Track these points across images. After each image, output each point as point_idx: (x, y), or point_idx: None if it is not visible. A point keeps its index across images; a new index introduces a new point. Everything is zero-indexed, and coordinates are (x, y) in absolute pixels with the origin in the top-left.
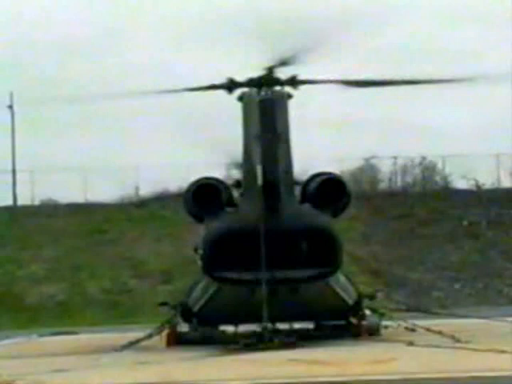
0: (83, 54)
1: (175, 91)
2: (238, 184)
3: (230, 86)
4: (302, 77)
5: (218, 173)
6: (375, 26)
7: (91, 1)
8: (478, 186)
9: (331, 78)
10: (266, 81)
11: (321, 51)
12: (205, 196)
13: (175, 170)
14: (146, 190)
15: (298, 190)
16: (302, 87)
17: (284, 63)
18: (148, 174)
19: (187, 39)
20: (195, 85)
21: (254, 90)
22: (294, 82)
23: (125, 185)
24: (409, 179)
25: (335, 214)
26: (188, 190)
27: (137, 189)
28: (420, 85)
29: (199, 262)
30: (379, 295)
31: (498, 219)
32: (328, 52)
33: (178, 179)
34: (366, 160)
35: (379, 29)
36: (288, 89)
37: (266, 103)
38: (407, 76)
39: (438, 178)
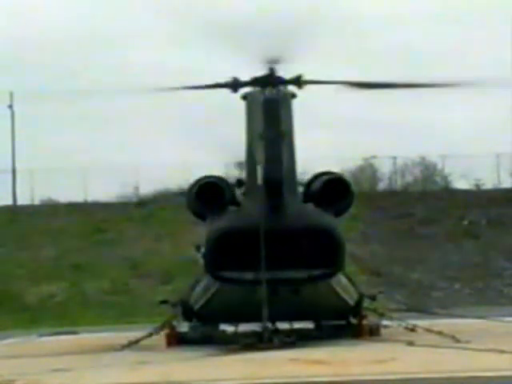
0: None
1: (177, 89)
2: (239, 183)
3: (235, 84)
4: (307, 77)
5: (218, 172)
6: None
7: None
8: (477, 186)
9: (336, 79)
10: (271, 80)
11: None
12: (208, 194)
13: (175, 169)
14: (146, 190)
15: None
16: (307, 87)
17: (276, 61)
18: (148, 174)
19: (188, 38)
20: (198, 83)
21: (258, 89)
22: (299, 81)
23: (125, 184)
24: (409, 179)
25: (338, 213)
26: (191, 188)
27: (137, 189)
28: (426, 88)
29: (201, 261)
30: (380, 296)
31: (498, 219)
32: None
33: (178, 179)
34: (366, 160)
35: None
36: (293, 88)
37: (270, 102)
38: (412, 79)
39: (438, 178)
